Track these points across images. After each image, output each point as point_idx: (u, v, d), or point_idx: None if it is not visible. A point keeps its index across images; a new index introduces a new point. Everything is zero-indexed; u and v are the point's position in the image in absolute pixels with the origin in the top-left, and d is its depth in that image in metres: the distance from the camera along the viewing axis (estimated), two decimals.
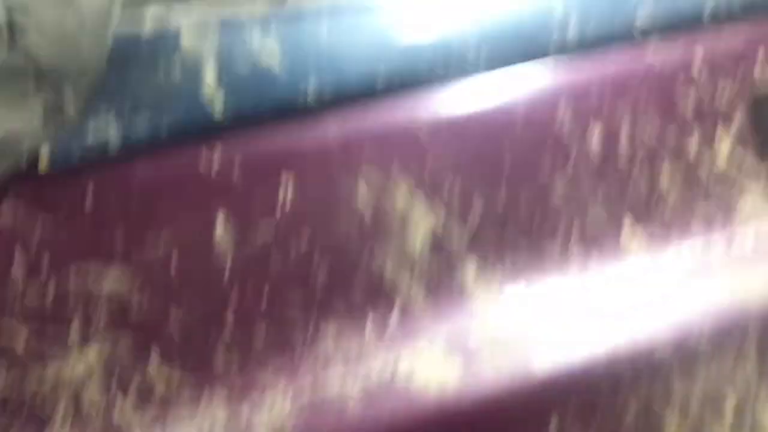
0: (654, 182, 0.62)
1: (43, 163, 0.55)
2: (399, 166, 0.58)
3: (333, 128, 0.58)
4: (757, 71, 0.66)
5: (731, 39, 0.66)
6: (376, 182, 0.58)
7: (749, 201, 0.64)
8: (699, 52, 0.65)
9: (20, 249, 0.53)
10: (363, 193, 0.58)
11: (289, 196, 0.57)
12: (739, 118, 0.65)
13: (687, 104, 0.64)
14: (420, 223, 0.59)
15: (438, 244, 0.59)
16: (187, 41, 0.57)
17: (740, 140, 0.65)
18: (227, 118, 0.57)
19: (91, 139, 0.55)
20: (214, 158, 0.56)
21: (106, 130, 0.56)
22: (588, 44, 0.63)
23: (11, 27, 0.55)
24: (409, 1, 0.62)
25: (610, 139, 0.62)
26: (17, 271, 0.52)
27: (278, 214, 0.57)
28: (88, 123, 0.55)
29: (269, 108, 0.58)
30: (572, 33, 0.63)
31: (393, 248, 0.58)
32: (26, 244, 0.53)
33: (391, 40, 0.60)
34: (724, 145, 0.64)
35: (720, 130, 0.64)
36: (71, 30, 0.56)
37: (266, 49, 0.58)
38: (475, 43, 0.61)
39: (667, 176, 0.63)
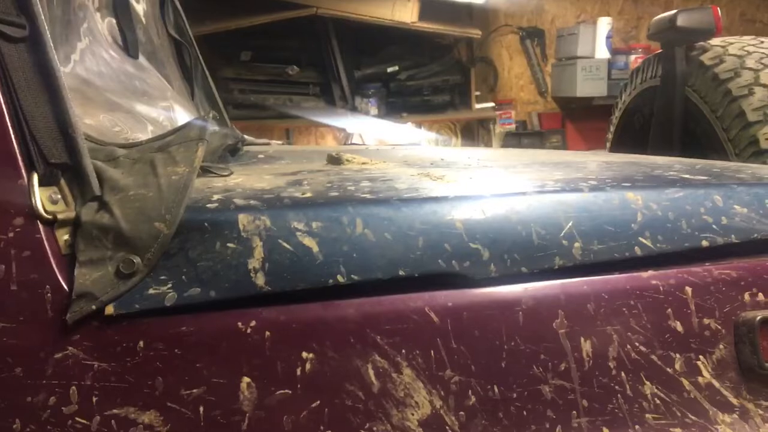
0: (634, 400, 0.69)
1: (110, 309, 0.65)
2: (407, 354, 0.67)
3: (353, 311, 0.67)
4: (744, 306, 0.73)
5: (722, 274, 0.73)
6: (384, 365, 0.66)
7: (720, 430, 0.70)
8: (691, 283, 0.72)
9: (75, 388, 0.63)
10: (371, 374, 0.66)
11: (308, 366, 0.66)
12: (720, 349, 0.72)
13: (674, 330, 0.71)
14: (419, 405, 0.67)
15: (433, 427, 0.67)
16: (243, 220, 0.68)
17: (719, 373, 0.71)
18: (267, 289, 0.67)
19: (151, 292, 0.66)
20: (250, 325, 0.66)
21: (165, 287, 0.66)
22: (589, 264, 0.71)
23: (102, 199, 0.67)
24: (435, 204, 0.72)
25: (599, 352, 0.69)
26: (69, 408, 0.62)
27: (296, 381, 0.65)
28: (150, 279, 0.66)
29: (303, 285, 0.67)
30: (576, 252, 0.71)
31: (392, 424, 0.66)
32: (81, 383, 0.63)
33: (415, 239, 0.69)
34: (703, 374, 0.71)
35: (701, 360, 0.71)
36: (150, 203, 0.68)
37: (308, 232, 0.68)
38: (487, 251, 0.70)
39: (647, 396, 0.69)
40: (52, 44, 0.70)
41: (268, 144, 1.36)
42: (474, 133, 5.88)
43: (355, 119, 5.45)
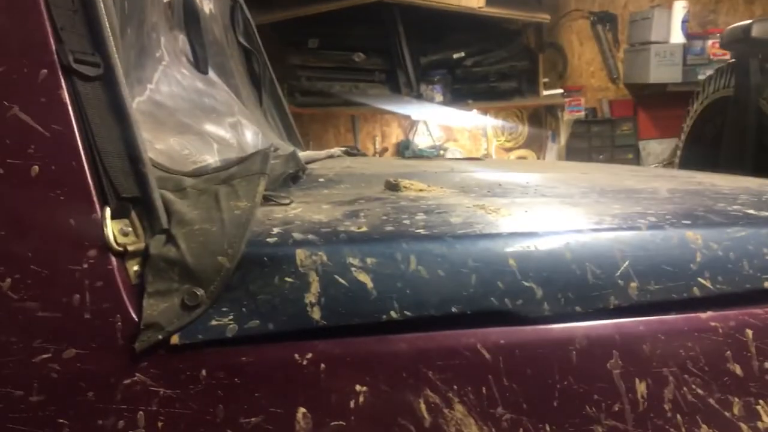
0: None
1: (175, 339, 0.68)
2: (458, 390, 0.68)
3: (406, 346, 0.69)
4: None
5: None
6: (436, 401, 0.68)
7: None
8: (752, 325, 0.71)
9: (142, 413, 0.66)
10: (423, 408, 0.68)
11: (361, 400, 0.68)
12: None
13: (733, 374, 0.70)
14: None
15: None
16: (300, 255, 0.70)
17: None
18: (323, 323, 0.69)
19: (213, 324, 0.69)
20: (306, 357, 0.68)
21: (227, 319, 0.69)
22: (646, 304, 0.71)
23: (169, 232, 0.70)
24: (488, 241, 0.72)
25: (654, 394, 0.69)
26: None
27: (350, 413, 0.68)
28: (213, 311, 0.69)
29: (358, 319, 0.69)
30: (632, 292, 0.71)
31: None
32: (148, 409, 0.67)
33: (468, 276, 0.70)
34: (763, 419, 0.69)
35: (761, 404, 0.70)
36: (214, 238, 0.70)
37: (362, 268, 0.70)
38: (541, 290, 0.70)
39: None
40: (124, 81, 0.73)
41: (330, 156, 1.38)
42: (542, 120, 5.80)
43: (421, 106, 5.45)
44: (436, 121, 5.75)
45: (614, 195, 0.96)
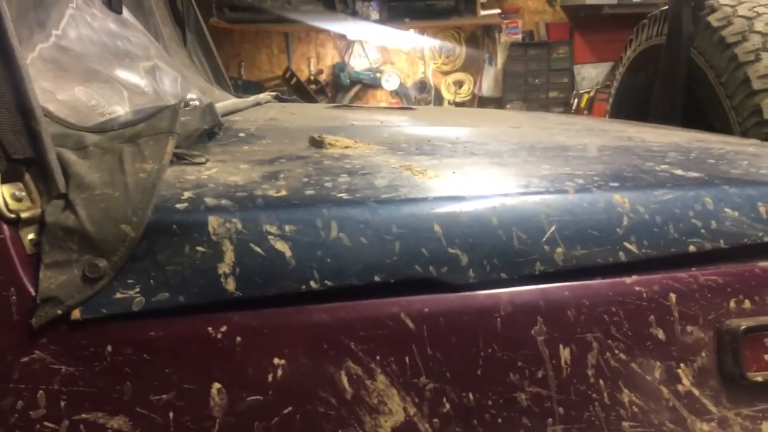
0: (611, 408, 0.69)
1: (76, 314, 0.64)
2: (381, 360, 0.66)
3: (327, 317, 0.66)
4: (729, 314, 0.71)
5: (708, 280, 0.71)
6: (358, 371, 0.65)
7: None
8: (675, 289, 0.70)
9: (43, 392, 0.62)
10: (345, 381, 0.65)
11: (279, 373, 0.65)
12: (702, 357, 0.70)
13: (656, 338, 0.69)
14: (393, 412, 0.66)
15: None
16: (213, 223, 0.65)
17: (699, 381, 0.70)
18: (238, 295, 0.65)
19: (118, 297, 0.64)
20: (220, 330, 0.64)
21: (133, 291, 0.64)
22: (571, 269, 0.69)
23: (67, 197, 0.64)
24: (413, 206, 0.69)
25: (577, 360, 0.68)
26: (37, 412, 0.62)
27: (267, 387, 0.65)
28: (118, 283, 0.64)
29: (275, 290, 0.66)
30: (558, 257, 0.69)
31: (365, 431, 0.66)
32: (49, 387, 0.62)
33: (392, 243, 0.67)
34: (683, 382, 0.70)
35: (682, 368, 0.70)
36: (117, 204, 0.65)
37: (280, 236, 0.66)
38: (466, 257, 0.68)
39: (624, 404, 0.69)
40: (11, 26, 0.65)
41: (258, 104, 1.29)
42: (479, 42, 5.74)
43: (356, 24, 5.31)
44: (372, 42, 5.61)
45: (543, 153, 0.93)
